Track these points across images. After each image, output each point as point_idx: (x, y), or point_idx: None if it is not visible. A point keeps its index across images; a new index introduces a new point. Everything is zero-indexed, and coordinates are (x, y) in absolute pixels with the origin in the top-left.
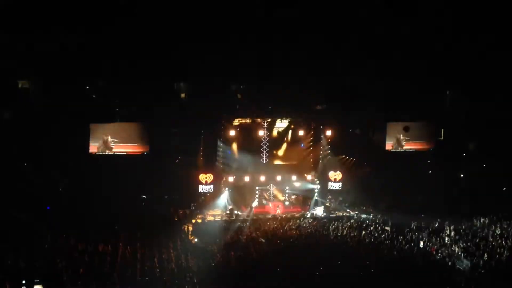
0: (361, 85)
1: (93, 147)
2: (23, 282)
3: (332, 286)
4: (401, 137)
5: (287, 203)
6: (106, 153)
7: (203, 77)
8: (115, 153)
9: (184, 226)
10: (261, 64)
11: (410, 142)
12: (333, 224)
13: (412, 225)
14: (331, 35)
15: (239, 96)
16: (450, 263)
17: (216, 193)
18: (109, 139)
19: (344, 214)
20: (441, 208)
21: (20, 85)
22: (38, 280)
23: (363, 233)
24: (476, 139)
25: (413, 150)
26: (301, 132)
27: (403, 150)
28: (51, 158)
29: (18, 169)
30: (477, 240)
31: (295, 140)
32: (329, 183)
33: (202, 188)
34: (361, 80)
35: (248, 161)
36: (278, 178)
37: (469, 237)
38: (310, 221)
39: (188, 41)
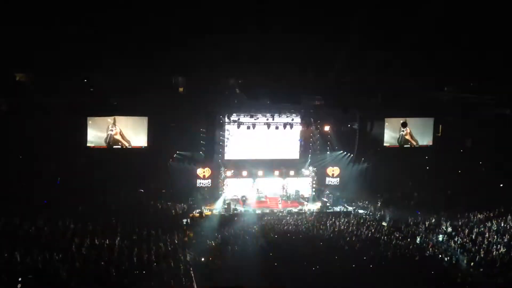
0: (360, 80)
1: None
2: (20, 277)
3: (329, 281)
4: (399, 132)
5: (285, 198)
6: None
7: (202, 71)
8: (113, 147)
9: (181, 220)
10: (260, 59)
11: (408, 137)
12: (330, 220)
13: (409, 220)
14: (330, 30)
15: (237, 90)
16: (446, 258)
17: (213, 188)
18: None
19: (342, 209)
20: (438, 204)
21: (17, 78)
22: (34, 274)
23: (360, 228)
24: (473, 135)
25: (411, 146)
26: (299, 127)
27: (400, 145)
28: (48, 152)
29: (15, 163)
30: (474, 236)
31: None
32: (327, 179)
33: (200, 183)
34: (359, 75)
35: (246, 156)
36: (276, 173)
37: (466, 233)
38: (308, 216)
39: (186, 34)
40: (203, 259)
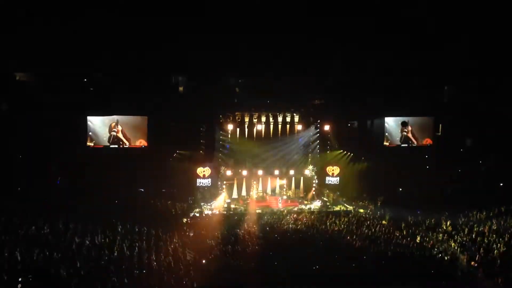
0: (360, 79)
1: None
2: (20, 276)
3: (329, 281)
4: (399, 132)
5: (285, 197)
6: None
7: (202, 70)
8: (111, 146)
9: (181, 219)
10: (260, 58)
11: (408, 137)
12: (330, 219)
13: (409, 219)
14: (331, 29)
15: (237, 90)
16: (446, 258)
17: (213, 187)
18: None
19: (342, 208)
20: (438, 203)
21: (17, 78)
22: (35, 273)
23: (360, 228)
24: (473, 134)
25: (410, 145)
26: (299, 127)
27: (400, 145)
28: (49, 151)
29: (15, 162)
30: (474, 235)
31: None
32: (327, 178)
33: (199, 182)
34: (360, 75)
35: (246, 155)
36: (276, 172)
37: (466, 232)
38: (308, 215)
39: (187, 33)
40: (203, 260)
